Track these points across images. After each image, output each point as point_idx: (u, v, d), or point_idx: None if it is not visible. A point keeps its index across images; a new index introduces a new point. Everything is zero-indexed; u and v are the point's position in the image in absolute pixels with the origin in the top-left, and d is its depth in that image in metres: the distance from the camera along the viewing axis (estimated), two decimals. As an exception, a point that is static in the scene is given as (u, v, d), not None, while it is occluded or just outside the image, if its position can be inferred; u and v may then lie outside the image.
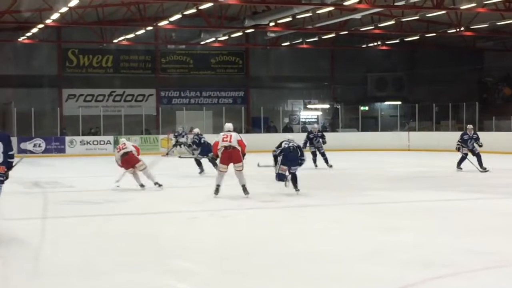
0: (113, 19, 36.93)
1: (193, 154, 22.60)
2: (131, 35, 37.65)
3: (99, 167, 26.63)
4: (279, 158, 16.11)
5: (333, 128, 44.41)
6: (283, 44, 41.45)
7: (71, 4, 27.87)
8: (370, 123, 42.70)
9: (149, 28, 34.99)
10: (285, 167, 16.05)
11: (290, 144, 16.34)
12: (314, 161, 24.30)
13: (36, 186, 19.01)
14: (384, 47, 41.75)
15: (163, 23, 33.01)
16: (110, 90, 43.00)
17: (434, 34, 37.54)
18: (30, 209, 13.82)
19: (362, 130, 40.65)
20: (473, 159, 22.07)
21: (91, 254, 9.11)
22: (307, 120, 46.44)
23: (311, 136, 24.60)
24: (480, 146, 22.34)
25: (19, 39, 38.28)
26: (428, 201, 14.77)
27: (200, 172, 22.00)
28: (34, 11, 33.16)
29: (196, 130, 22.93)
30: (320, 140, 24.54)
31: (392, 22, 33.58)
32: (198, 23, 35.38)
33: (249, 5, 32.23)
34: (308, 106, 46.80)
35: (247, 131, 40.62)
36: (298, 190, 15.97)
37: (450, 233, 10.67)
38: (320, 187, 17.89)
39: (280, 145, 16.52)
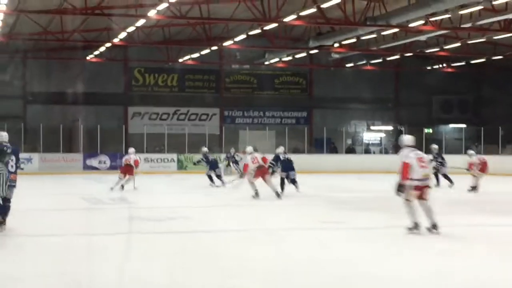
0: (179, 38, 37.38)
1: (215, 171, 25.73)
2: (196, 55, 38.08)
3: (162, 184, 26.91)
4: (279, 167, 21.34)
5: (397, 150, 44.02)
6: (347, 65, 41.39)
7: (138, 24, 28.38)
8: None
9: (214, 47, 35.33)
10: (284, 173, 21.23)
11: (286, 156, 21.72)
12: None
13: (100, 202, 19.28)
14: (449, 69, 41.34)
15: (227, 43, 33.31)
16: (175, 108, 43.54)
17: (501, 57, 37.01)
18: (94, 226, 14.02)
19: (426, 153, 39.88)
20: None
21: (151, 271, 9.20)
22: (370, 142, 46.18)
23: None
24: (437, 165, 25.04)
25: (87, 58, 39.06)
26: (488, 225, 14.50)
27: (211, 184, 24.89)
28: (102, 30, 33.82)
29: (205, 150, 26.14)
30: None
31: (458, 44, 33.25)
32: (263, 43, 35.60)
33: (314, 26, 32.29)
34: (371, 127, 46.53)
35: (309, 152, 40.55)
36: (298, 190, 21.36)
37: (510, 259, 10.49)
38: (377, 209, 17.76)
39: (277, 159, 21.59)
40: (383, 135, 46.64)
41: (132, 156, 23.89)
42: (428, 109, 46.93)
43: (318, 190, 21.53)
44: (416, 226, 12.55)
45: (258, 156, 20.08)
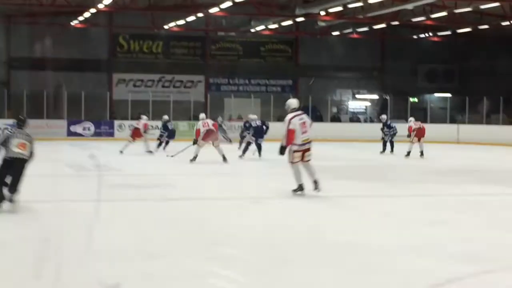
0: (164, 4, 37.10)
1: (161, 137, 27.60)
2: (181, 21, 37.83)
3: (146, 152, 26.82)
4: (250, 132, 23.49)
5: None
6: (333, 33, 41.26)
7: (123, -11, 28.11)
8: (419, 115, 42.26)
9: (200, 14, 35.10)
10: (253, 138, 23.11)
11: (258, 123, 23.49)
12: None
13: (85, 169, 19.23)
14: (435, 39, 41.36)
15: (213, 9, 33.06)
16: (160, 75, 43.35)
17: (487, 26, 36.99)
18: (78, 192, 13.98)
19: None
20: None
21: (136, 238, 9.18)
22: (355, 110, 46.21)
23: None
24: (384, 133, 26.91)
25: (71, 23, 38.71)
26: (477, 194, 14.59)
27: (149, 152, 25.45)
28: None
29: (165, 118, 27.77)
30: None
31: (445, 13, 33.17)
32: (249, 10, 35.38)
33: (300, -6, 32.13)
34: (357, 96, 46.55)
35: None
36: (260, 156, 22.71)
37: (498, 227, 10.52)
38: (367, 178, 17.79)
39: (248, 125, 24.23)
40: (368, 103, 46.67)
41: (142, 121, 25.74)
42: (414, 78, 46.97)
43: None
44: (300, 187, 13.40)
45: (209, 121, 21.48)
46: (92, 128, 35.75)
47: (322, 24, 38.08)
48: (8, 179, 11.08)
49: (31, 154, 11.45)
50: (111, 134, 35.63)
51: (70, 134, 35.25)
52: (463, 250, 8.66)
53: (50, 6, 33.39)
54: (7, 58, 41.00)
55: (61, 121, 36.07)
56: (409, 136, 25.04)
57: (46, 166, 19.24)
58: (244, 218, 11.01)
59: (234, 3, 30.84)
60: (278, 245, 8.85)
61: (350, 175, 18.63)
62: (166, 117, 27.88)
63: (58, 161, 21.35)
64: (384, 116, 27.92)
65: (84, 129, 35.60)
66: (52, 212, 11.20)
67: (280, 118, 39.51)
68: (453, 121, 39.77)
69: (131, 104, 37.58)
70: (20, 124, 11.72)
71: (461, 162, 23.94)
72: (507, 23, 34.53)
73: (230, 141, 31.68)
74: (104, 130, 35.84)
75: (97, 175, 17.48)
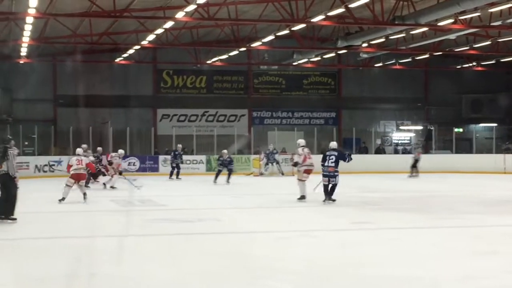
0: (207, 40, 37.40)
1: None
2: (224, 56, 38.09)
3: (191, 186, 26.94)
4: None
5: (427, 150, 43.73)
6: (376, 65, 41.17)
7: (167, 25, 28.45)
8: (464, 145, 41.88)
9: (242, 49, 35.31)
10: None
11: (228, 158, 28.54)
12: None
13: (130, 204, 19.34)
14: (479, 68, 40.97)
15: (256, 44, 33.26)
16: (203, 110, 43.59)
17: (531, 55, 36.64)
18: (122, 227, 14.05)
19: (456, 152, 39.85)
20: None
21: (179, 272, 9.19)
22: (399, 142, 45.91)
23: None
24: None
25: (115, 60, 39.23)
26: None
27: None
28: (130, 32, 33.96)
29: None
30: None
31: (488, 42, 32.92)
32: (291, 44, 35.49)
33: (342, 26, 32.16)
34: (401, 127, 46.27)
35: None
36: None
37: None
38: (413, 210, 17.62)
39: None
40: (412, 134, 46.35)
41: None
42: (458, 108, 46.51)
43: (349, 190, 21.38)
44: None
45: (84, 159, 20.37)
46: (138, 163, 36.01)
47: (364, 55, 38.05)
48: None
49: None
50: (155, 169, 35.85)
51: (116, 169, 35.48)
52: (509, 283, 8.50)
53: (95, 44, 33.91)
54: (53, 96, 41.63)
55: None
56: None
57: (91, 202, 19.41)
58: (290, 251, 10.96)
59: (277, 37, 31.02)
60: (321, 278, 8.78)
61: (396, 206, 18.48)
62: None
63: (104, 196, 21.52)
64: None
65: (129, 164, 35.86)
66: (97, 248, 11.25)
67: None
68: (499, 151, 39.26)
69: (175, 139, 37.81)
70: None
71: (508, 192, 23.59)
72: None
73: (282, 173, 33.59)
74: (149, 165, 36.07)
75: (142, 210, 17.58)
